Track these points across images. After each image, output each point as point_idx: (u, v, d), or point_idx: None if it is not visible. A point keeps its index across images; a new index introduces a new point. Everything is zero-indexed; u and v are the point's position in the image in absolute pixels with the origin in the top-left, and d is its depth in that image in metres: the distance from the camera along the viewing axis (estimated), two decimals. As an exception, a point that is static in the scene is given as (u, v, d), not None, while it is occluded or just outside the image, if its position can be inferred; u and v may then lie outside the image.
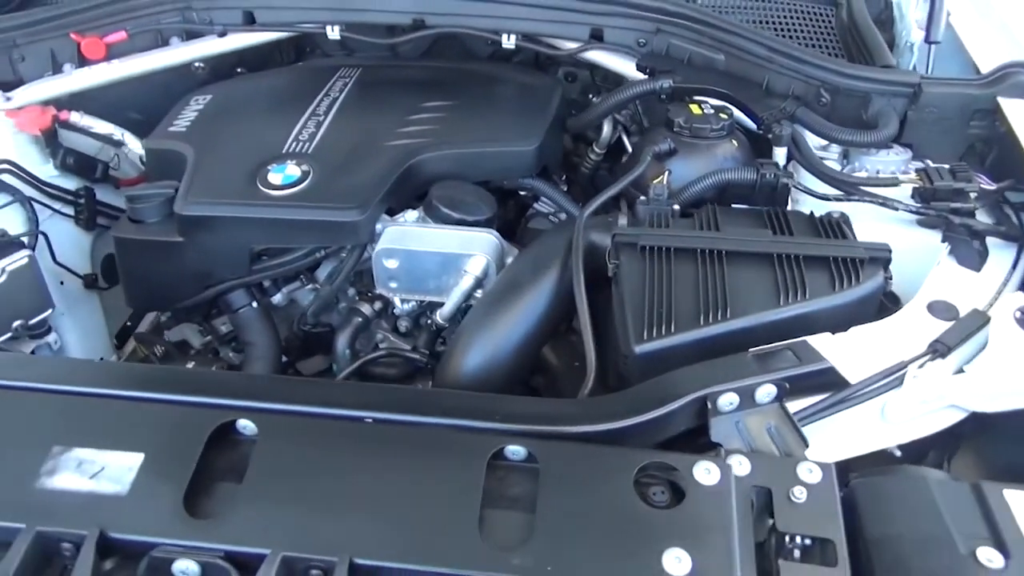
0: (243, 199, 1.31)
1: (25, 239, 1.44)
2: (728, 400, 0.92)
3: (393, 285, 1.33)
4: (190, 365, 1.48)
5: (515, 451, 0.86)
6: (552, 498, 0.81)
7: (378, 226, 1.34)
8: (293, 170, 1.36)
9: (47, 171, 1.60)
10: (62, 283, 1.58)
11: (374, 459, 0.85)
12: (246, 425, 0.89)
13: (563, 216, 1.61)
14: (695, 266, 1.11)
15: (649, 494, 0.83)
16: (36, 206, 1.53)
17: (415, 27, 1.65)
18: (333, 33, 1.68)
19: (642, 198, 1.30)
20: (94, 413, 0.90)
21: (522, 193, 1.59)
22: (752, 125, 1.47)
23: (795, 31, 1.68)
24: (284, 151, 1.40)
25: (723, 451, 0.91)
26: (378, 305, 1.40)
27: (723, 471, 0.83)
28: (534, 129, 1.47)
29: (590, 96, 1.82)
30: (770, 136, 1.39)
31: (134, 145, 1.69)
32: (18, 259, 1.37)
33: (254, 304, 1.42)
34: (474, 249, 1.28)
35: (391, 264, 1.30)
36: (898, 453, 1.03)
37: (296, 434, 0.88)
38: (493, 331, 1.16)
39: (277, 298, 1.46)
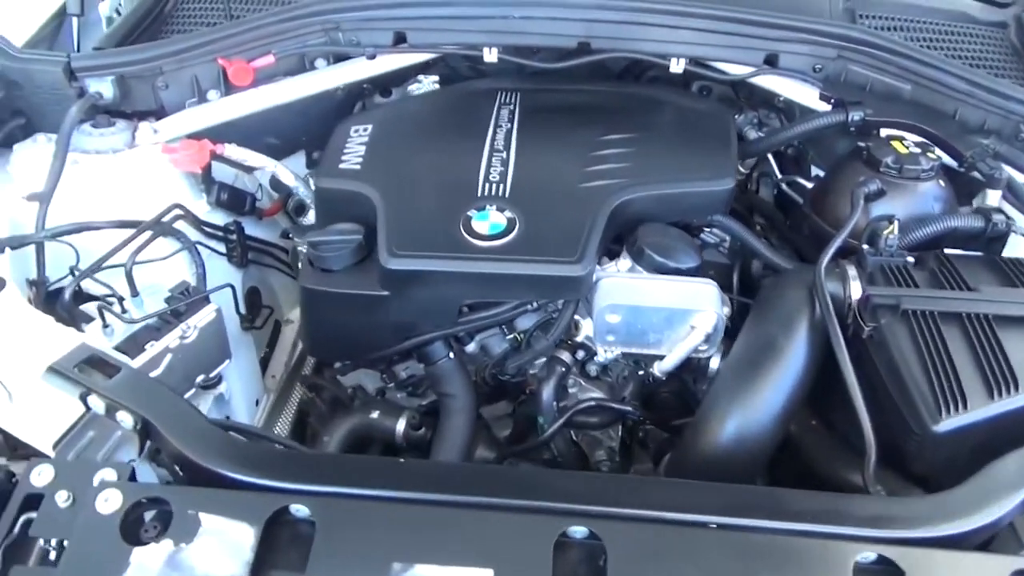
0: (454, 252, 1.25)
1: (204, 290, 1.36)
2: (1057, 489, 0.91)
3: (611, 339, 1.29)
4: (375, 414, 1.42)
5: (866, 556, 0.84)
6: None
7: (591, 276, 1.29)
8: (498, 218, 1.30)
9: (200, 208, 1.52)
10: (224, 327, 1.51)
11: (729, 569, 0.83)
12: (577, 530, 0.86)
13: (727, 245, 1.58)
14: (965, 332, 1.09)
15: (1020, 603, 0.82)
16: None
17: (580, 51, 1.58)
18: (490, 56, 1.60)
19: (867, 247, 1.27)
20: (426, 522, 0.86)
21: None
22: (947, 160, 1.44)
23: (964, 54, 1.64)
24: (480, 194, 1.34)
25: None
26: (580, 354, 1.36)
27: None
28: (725, 165, 1.42)
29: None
30: (979, 176, 1.36)
31: (286, 177, 1.60)
32: (207, 315, 1.30)
33: (451, 355, 1.37)
34: (703, 304, 1.25)
35: (613, 319, 1.26)
36: None
37: (641, 542, 0.84)
38: (752, 396, 1.13)
39: (471, 347, 1.41)
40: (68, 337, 1.15)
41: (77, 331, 1.19)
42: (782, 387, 1.13)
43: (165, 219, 1.36)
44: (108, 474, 0.94)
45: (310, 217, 1.79)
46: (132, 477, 0.95)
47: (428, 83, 1.75)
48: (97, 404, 1.00)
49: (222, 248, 1.56)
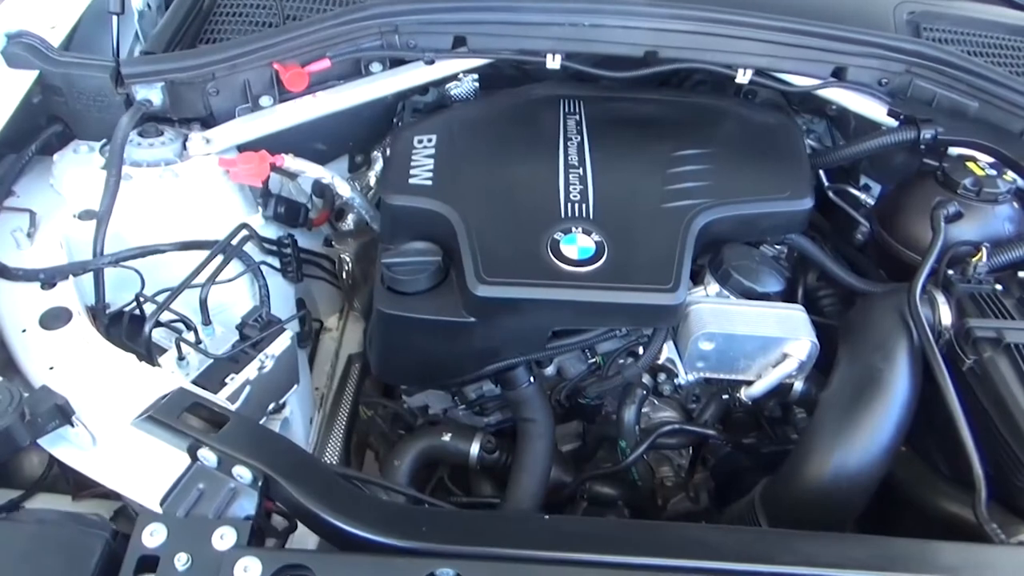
0: (545, 278, 1.22)
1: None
2: None
3: (701, 364, 1.28)
4: (447, 437, 1.39)
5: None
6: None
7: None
8: (585, 241, 1.27)
9: (255, 222, 1.44)
10: (281, 347, 1.45)
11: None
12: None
13: (784, 255, 1.57)
14: (1069, 367, 1.10)
15: None
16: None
17: (646, 60, 1.54)
18: (553, 62, 1.55)
19: (951, 272, 1.27)
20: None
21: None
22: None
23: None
24: (563, 215, 1.30)
25: None
26: (661, 377, 1.34)
27: None
28: (802, 182, 1.41)
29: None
30: (1052, 199, 1.38)
31: (342, 188, 1.53)
32: (283, 343, 1.24)
33: (532, 379, 1.34)
34: (798, 332, 1.24)
35: (707, 346, 1.25)
36: None
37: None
38: (857, 429, 1.12)
39: (549, 370, 1.38)
40: (152, 377, 1.09)
41: (159, 368, 1.13)
42: (888, 419, 1.13)
43: (234, 241, 1.29)
44: (227, 533, 0.89)
45: (349, 222, 1.73)
46: (251, 535, 0.91)
47: (468, 81, 1.69)
48: (208, 457, 0.95)
49: (275, 262, 1.49)
